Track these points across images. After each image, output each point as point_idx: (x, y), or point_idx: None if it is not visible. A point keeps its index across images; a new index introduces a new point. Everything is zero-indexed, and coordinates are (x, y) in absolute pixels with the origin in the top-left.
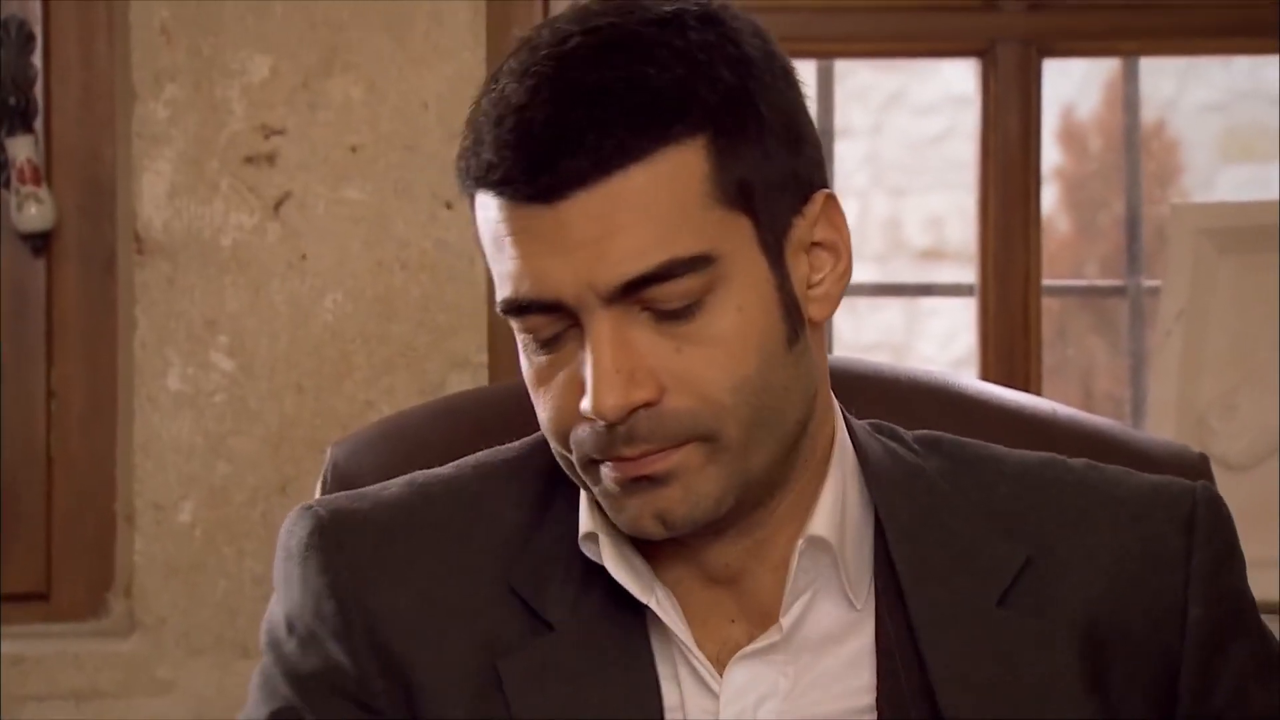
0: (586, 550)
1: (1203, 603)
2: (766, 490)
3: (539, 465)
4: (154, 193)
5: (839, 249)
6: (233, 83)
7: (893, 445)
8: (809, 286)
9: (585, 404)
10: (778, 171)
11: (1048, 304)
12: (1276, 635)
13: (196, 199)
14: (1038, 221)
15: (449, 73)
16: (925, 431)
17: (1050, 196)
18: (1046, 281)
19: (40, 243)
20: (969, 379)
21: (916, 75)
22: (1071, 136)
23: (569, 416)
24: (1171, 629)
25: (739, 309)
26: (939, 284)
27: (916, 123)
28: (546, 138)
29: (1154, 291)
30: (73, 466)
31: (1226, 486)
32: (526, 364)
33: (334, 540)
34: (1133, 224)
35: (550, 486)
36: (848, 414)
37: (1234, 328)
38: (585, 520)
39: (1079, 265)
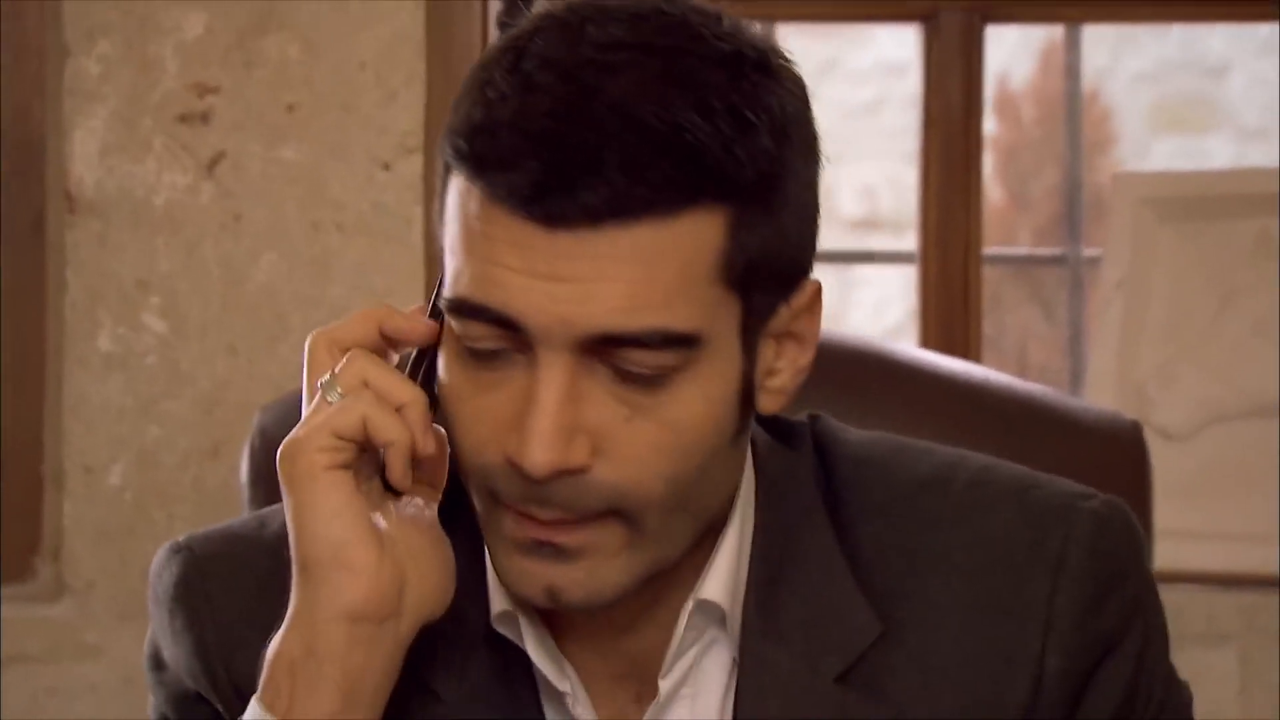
0: (503, 630)
1: (1063, 652)
2: None
3: None
4: (85, 151)
5: (807, 343)
6: (166, 40)
7: (792, 467)
8: (767, 375)
9: (513, 448)
10: (783, 256)
11: (983, 273)
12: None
13: (129, 158)
14: (979, 189)
15: (386, 33)
16: (824, 426)
17: (983, 166)
18: (985, 250)
19: None
20: (905, 346)
21: (850, 43)
22: (1005, 105)
23: (486, 447)
24: (1023, 686)
25: (704, 398)
26: (879, 251)
27: (850, 91)
28: (571, 161)
29: (1092, 261)
30: (0, 428)
31: (1165, 456)
32: (450, 371)
33: (201, 592)
34: (1072, 193)
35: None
36: (760, 447)
37: (1173, 297)
38: (497, 596)
39: (1011, 235)
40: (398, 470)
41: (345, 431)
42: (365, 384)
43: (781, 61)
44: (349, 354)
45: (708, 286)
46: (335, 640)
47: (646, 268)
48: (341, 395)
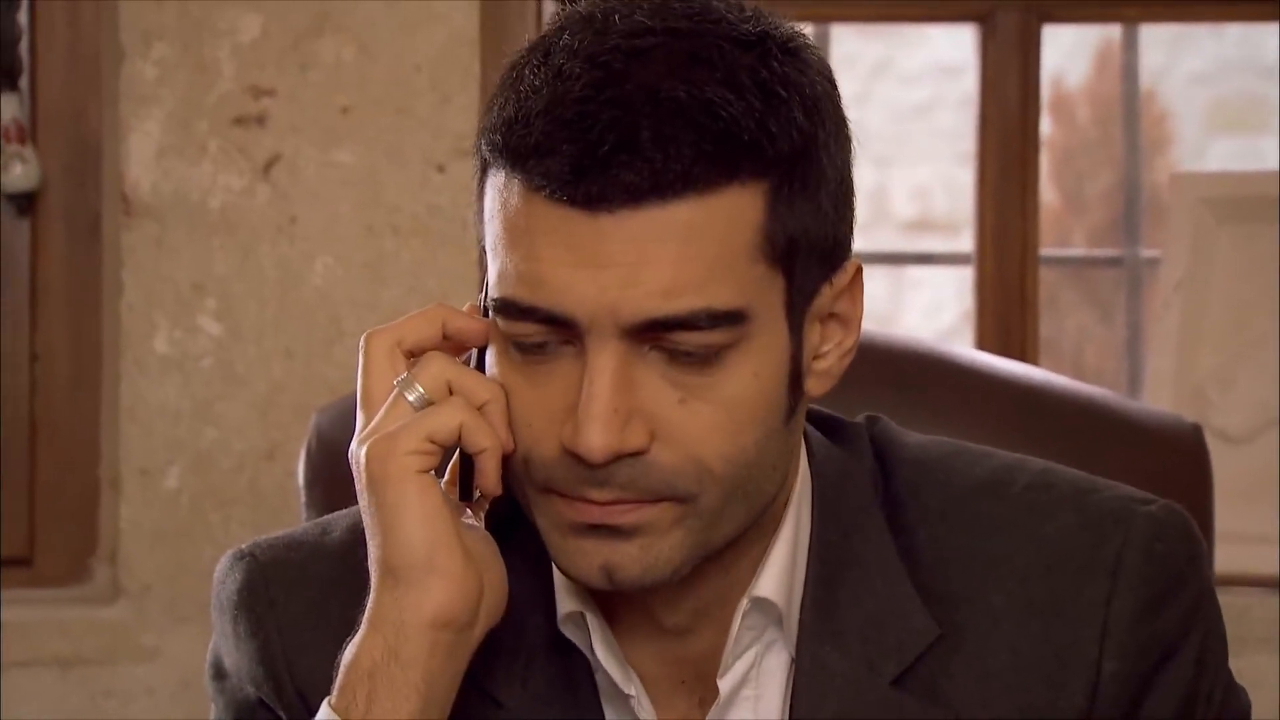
0: (568, 632)
1: (1120, 656)
2: (721, 551)
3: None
4: (142, 154)
5: (851, 325)
6: (222, 42)
7: (848, 468)
8: (814, 358)
9: (568, 435)
10: (822, 233)
11: (1039, 275)
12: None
13: (185, 160)
14: (1035, 191)
15: (441, 36)
16: (883, 429)
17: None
18: (1042, 252)
19: (25, 203)
20: (964, 349)
21: (903, 44)
22: (1060, 106)
23: (542, 439)
24: (1080, 690)
25: (755, 375)
26: (935, 253)
27: (903, 92)
28: (606, 141)
29: (1150, 262)
30: (57, 431)
31: (1224, 459)
32: (500, 366)
33: (265, 598)
34: (1130, 194)
35: (500, 534)
36: (815, 446)
37: (1233, 299)
38: (565, 597)
39: (1064, 236)
40: (491, 477)
41: (440, 436)
42: (449, 386)
43: (807, 45)
44: (427, 355)
45: (750, 264)
46: (420, 645)
47: (688, 246)
48: (424, 396)
